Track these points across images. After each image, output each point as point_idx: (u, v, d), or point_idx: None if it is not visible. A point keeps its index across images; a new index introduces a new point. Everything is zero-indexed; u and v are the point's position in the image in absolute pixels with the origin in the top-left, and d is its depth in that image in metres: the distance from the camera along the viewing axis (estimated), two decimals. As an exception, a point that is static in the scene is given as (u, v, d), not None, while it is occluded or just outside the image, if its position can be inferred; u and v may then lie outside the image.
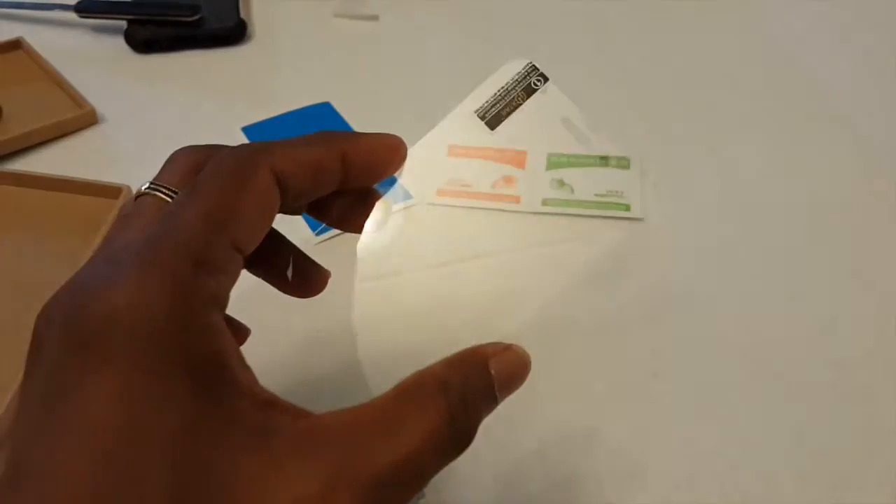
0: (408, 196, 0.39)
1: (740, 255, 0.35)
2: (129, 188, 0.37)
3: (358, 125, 0.43)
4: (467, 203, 0.38)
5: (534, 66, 0.23)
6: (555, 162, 0.40)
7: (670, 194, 0.38)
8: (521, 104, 0.24)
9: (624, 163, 0.40)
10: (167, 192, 0.19)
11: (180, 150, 0.21)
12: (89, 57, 0.49)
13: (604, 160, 0.40)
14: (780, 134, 0.42)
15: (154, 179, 0.20)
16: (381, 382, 0.24)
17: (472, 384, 0.18)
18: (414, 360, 0.23)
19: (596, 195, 0.38)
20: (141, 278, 0.14)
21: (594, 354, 0.31)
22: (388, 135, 0.22)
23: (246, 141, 0.43)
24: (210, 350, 0.15)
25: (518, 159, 0.40)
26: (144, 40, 0.49)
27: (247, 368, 0.16)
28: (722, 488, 0.26)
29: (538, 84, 0.23)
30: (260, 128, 0.43)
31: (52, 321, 0.15)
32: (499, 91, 0.24)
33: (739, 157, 0.41)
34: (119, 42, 0.50)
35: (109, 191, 0.37)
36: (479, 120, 0.25)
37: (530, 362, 0.19)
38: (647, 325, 0.32)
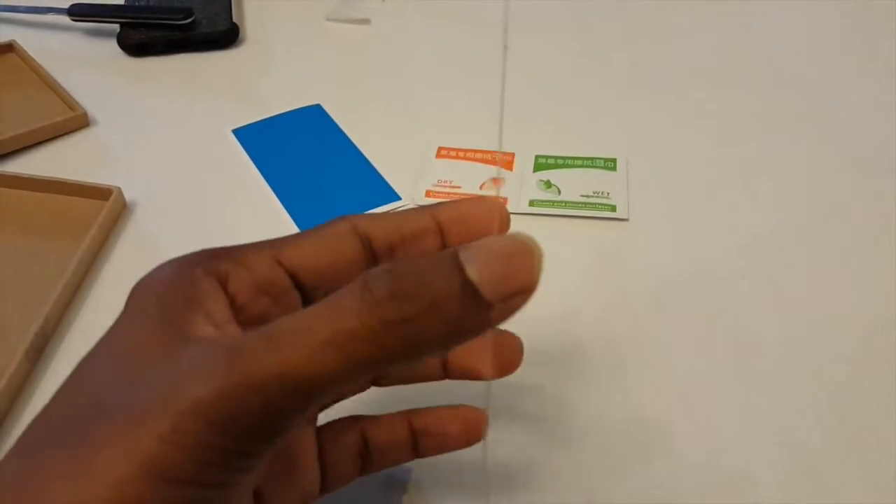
0: (396, 197, 0.39)
1: (725, 255, 0.35)
2: (119, 190, 0.38)
3: (348, 128, 0.44)
4: (455, 204, 0.38)
5: None
6: (542, 164, 0.41)
7: (657, 196, 0.39)
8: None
9: (610, 164, 0.40)
10: None
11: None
12: (82, 60, 0.50)
13: (590, 161, 0.41)
14: (766, 135, 0.43)
15: None
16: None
17: (419, 265, 0.14)
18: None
19: (582, 196, 0.38)
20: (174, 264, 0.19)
21: (577, 353, 0.31)
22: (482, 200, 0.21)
23: (236, 142, 0.43)
24: (183, 298, 0.17)
25: (506, 161, 0.41)
26: (137, 43, 0.50)
27: (223, 319, 0.17)
28: (701, 486, 0.27)
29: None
30: (251, 130, 0.44)
31: None
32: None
33: (726, 158, 0.41)
34: (112, 45, 0.50)
35: (100, 192, 0.37)
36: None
37: (535, 246, 0.15)
38: (631, 323, 0.32)
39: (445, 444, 0.22)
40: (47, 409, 0.17)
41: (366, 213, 0.20)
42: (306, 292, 0.19)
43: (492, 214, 0.20)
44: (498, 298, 0.15)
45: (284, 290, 0.18)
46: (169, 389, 0.15)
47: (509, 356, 0.22)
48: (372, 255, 0.19)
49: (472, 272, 0.14)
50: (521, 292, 0.15)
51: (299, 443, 0.21)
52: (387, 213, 0.20)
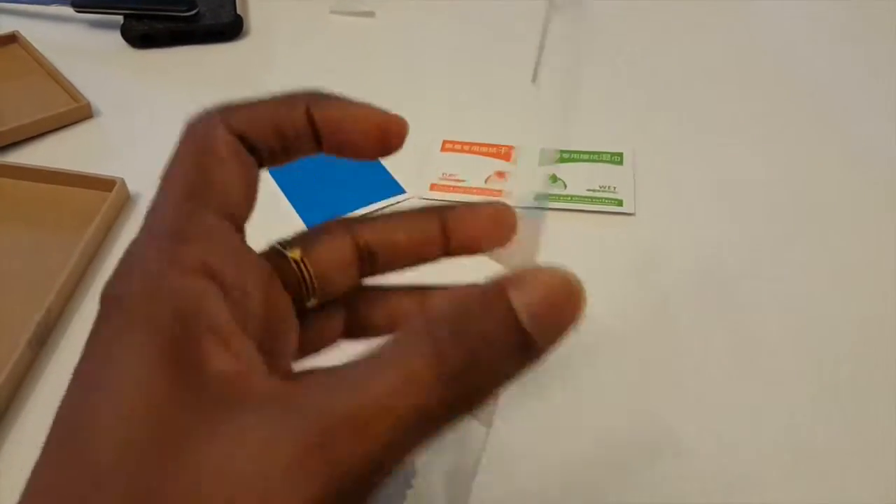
0: (401, 190, 0.39)
1: (730, 250, 0.35)
2: (122, 181, 0.37)
3: (352, 120, 0.43)
4: (460, 198, 0.38)
5: None
6: (548, 157, 0.40)
7: (663, 190, 0.38)
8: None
9: (617, 158, 0.40)
10: None
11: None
12: (85, 51, 0.50)
13: (597, 156, 0.40)
14: (771, 131, 0.43)
15: None
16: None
17: (476, 318, 0.14)
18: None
19: (588, 190, 0.38)
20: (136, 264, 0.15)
21: (582, 347, 0.31)
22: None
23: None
24: (174, 309, 0.14)
25: (511, 154, 0.41)
26: (141, 35, 0.50)
27: (228, 331, 0.14)
28: (704, 482, 0.26)
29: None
30: (255, 122, 0.44)
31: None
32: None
33: (731, 153, 0.41)
34: (115, 37, 0.50)
35: (103, 183, 0.37)
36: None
37: (580, 286, 0.14)
38: (636, 317, 0.32)
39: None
40: (42, 476, 0.13)
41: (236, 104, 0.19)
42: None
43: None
44: (548, 344, 0.14)
45: (234, 236, 0.17)
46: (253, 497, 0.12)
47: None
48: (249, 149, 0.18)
49: (527, 321, 0.14)
50: (567, 333, 0.14)
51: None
52: (256, 102, 0.19)
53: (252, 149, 0.18)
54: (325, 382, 0.13)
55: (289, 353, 0.19)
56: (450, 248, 0.20)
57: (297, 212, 0.38)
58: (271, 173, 0.40)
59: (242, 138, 0.18)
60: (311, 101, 0.18)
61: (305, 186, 0.39)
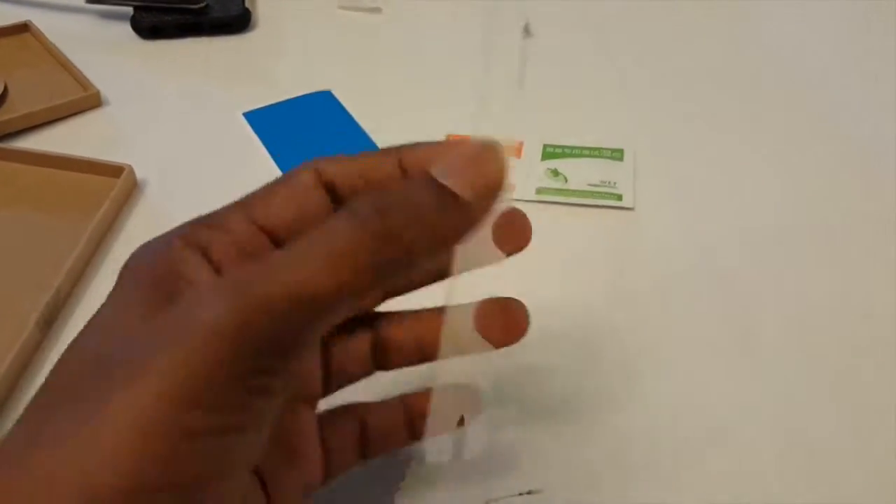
0: (404, 182, 0.40)
1: (728, 246, 0.36)
2: (130, 167, 0.38)
3: (358, 114, 0.44)
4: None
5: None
6: (550, 152, 0.41)
7: (662, 186, 0.39)
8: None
9: (618, 154, 0.41)
10: None
11: None
12: (96, 42, 0.50)
13: (598, 151, 0.41)
14: (771, 128, 0.43)
15: None
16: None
17: (398, 191, 0.16)
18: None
19: (589, 185, 0.39)
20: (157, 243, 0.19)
21: (581, 340, 0.31)
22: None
23: (247, 125, 0.43)
24: (168, 272, 0.17)
25: (514, 148, 0.41)
26: (150, 26, 0.50)
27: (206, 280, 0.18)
28: (701, 475, 0.27)
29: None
30: (261, 114, 0.44)
31: None
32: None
33: (731, 150, 0.41)
34: (125, 28, 0.51)
35: (112, 170, 0.38)
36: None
37: (497, 145, 0.16)
38: (635, 311, 0.33)
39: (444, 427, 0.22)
40: (47, 381, 0.17)
41: (331, 156, 0.20)
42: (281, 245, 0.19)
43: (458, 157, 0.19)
44: (473, 196, 0.16)
45: (263, 247, 0.19)
46: (176, 322, 0.15)
47: (516, 322, 0.22)
48: (337, 201, 0.20)
49: (444, 179, 0.16)
50: (492, 187, 0.17)
51: (301, 428, 0.21)
52: (352, 156, 0.20)
53: (331, 188, 0.20)
54: (260, 268, 0.16)
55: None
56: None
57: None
58: (275, 161, 0.41)
59: (325, 179, 0.20)
60: (404, 151, 0.20)
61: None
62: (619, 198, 0.38)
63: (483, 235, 0.19)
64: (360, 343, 0.22)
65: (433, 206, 0.16)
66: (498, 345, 0.22)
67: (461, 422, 0.22)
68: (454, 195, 0.16)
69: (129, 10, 0.51)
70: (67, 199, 0.37)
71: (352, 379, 0.23)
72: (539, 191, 0.38)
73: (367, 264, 0.15)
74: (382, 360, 0.23)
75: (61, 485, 0.14)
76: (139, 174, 0.39)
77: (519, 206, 0.38)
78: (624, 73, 0.48)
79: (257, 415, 0.16)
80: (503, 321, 0.22)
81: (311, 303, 0.15)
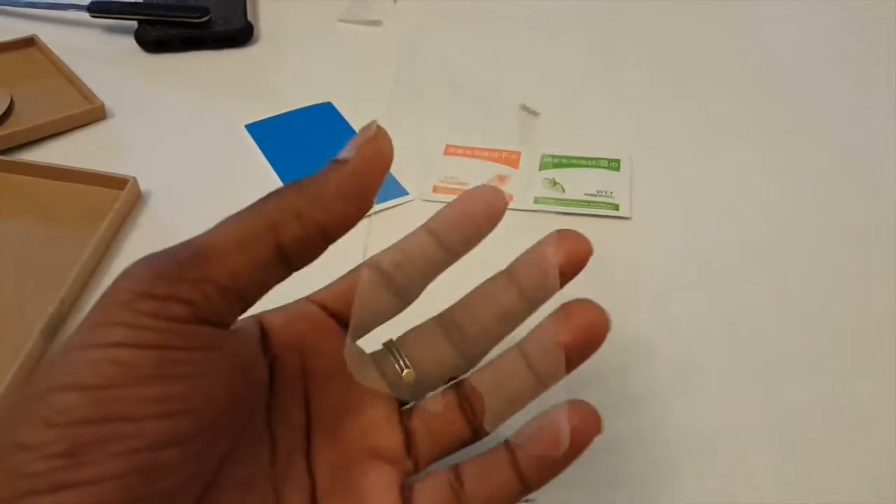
0: (404, 192, 0.40)
1: (725, 255, 0.36)
2: (134, 180, 0.39)
3: (359, 125, 0.44)
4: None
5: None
6: (548, 162, 0.41)
7: (659, 196, 0.39)
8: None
9: (614, 164, 0.41)
10: None
11: None
12: (100, 55, 0.51)
13: (594, 161, 0.41)
14: (768, 138, 0.43)
15: None
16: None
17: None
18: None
19: (586, 195, 0.39)
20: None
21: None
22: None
23: (249, 137, 0.44)
24: None
25: (512, 159, 0.42)
26: (154, 40, 0.51)
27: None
28: (698, 474, 0.27)
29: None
30: (263, 126, 0.45)
31: None
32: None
33: (727, 160, 0.42)
34: (129, 42, 0.51)
35: (116, 182, 0.38)
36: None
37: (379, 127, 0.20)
38: (632, 320, 0.33)
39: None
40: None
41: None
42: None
43: (478, 209, 0.23)
44: (350, 153, 0.20)
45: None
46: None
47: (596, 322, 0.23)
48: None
49: (344, 153, 0.20)
50: (366, 142, 0.20)
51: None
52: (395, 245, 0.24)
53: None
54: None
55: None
56: None
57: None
58: (277, 173, 0.41)
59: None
60: (430, 222, 0.23)
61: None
62: (616, 207, 0.38)
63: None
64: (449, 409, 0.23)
65: (316, 174, 0.20)
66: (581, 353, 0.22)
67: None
68: (336, 160, 0.20)
69: (134, 23, 0.52)
70: (72, 211, 0.38)
71: (453, 447, 0.23)
72: (537, 200, 0.39)
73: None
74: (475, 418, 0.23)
75: None
76: (143, 186, 0.39)
77: (517, 215, 0.39)
78: (621, 85, 0.48)
79: (150, 334, 0.17)
80: (582, 323, 0.22)
81: (201, 248, 0.18)
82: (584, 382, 0.30)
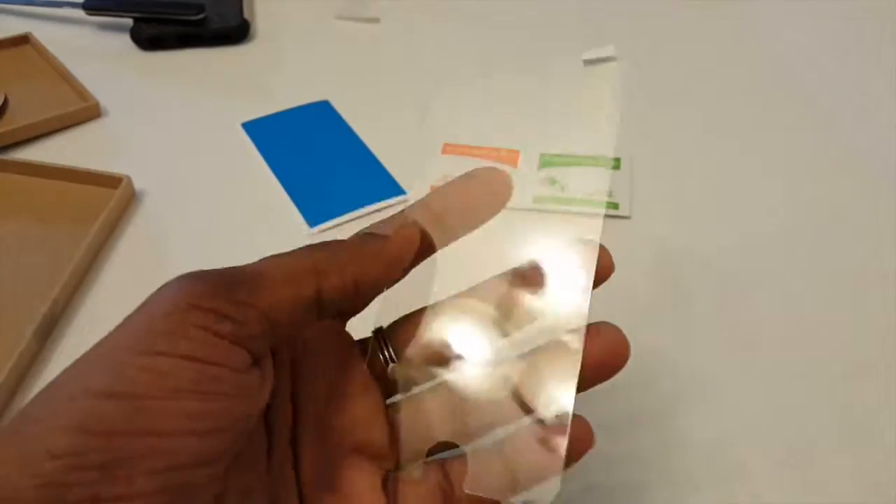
0: (402, 191, 0.40)
1: (724, 254, 0.36)
2: (129, 178, 0.38)
3: (355, 123, 0.44)
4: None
5: None
6: (547, 161, 0.41)
7: (659, 195, 0.39)
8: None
9: (615, 163, 0.41)
10: None
11: None
12: (95, 53, 0.51)
13: (595, 160, 0.41)
14: (769, 137, 0.43)
15: None
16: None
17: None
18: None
19: (586, 193, 0.39)
20: None
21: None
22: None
23: (245, 135, 0.44)
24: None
25: (511, 158, 0.41)
26: (150, 38, 0.51)
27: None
28: (698, 477, 0.27)
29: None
30: (259, 124, 0.44)
31: None
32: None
33: (727, 159, 0.41)
34: (125, 39, 0.51)
35: (110, 180, 0.38)
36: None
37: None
38: (631, 319, 0.33)
39: None
40: None
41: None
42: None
43: (481, 194, 0.22)
44: (387, 230, 0.21)
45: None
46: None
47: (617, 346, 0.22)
48: None
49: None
50: (404, 226, 0.21)
51: None
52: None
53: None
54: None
55: None
56: None
57: (300, 210, 0.38)
58: (273, 171, 0.41)
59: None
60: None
61: (308, 185, 0.40)
62: (616, 206, 0.38)
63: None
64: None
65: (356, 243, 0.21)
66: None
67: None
68: (382, 238, 0.21)
69: (129, 21, 0.51)
70: (66, 210, 0.37)
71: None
72: (536, 199, 0.38)
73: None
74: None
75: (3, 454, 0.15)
76: (137, 185, 0.39)
77: (516, 214, 0.39)
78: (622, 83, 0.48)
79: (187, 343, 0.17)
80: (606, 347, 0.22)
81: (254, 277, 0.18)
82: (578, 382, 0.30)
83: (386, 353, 0.23)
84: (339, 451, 0.21)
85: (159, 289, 0.17)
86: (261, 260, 0.19)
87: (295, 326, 0.19)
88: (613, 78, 0.22)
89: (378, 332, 0.23)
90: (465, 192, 0.22)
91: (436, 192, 0.23)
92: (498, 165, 0.41)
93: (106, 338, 0.17)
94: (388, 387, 0.23)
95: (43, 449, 0.14)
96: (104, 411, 0.15)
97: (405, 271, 0.21)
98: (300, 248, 0.20)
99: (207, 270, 0.18)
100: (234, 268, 0.18)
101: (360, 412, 0.22)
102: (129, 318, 0.17)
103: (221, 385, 0.17)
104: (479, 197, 0.22)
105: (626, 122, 0.44)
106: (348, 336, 0.23)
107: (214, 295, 0.17)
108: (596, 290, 0.23)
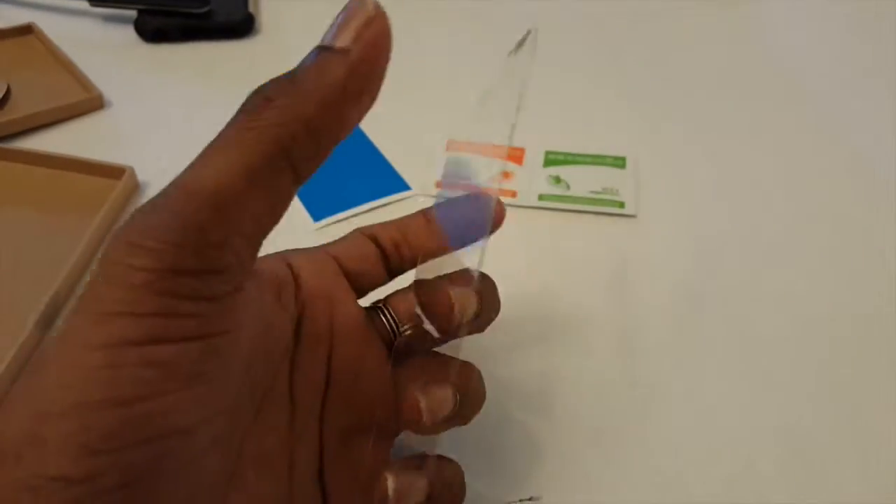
0: (406, 187, 0.40)
1: (730, 253, 0.36)
2: (132, 169, 0.38)
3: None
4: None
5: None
6: (552, 159, 0.41)
7: (664, 194, 0.39)
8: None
9: (620, 162, 0.41)
10: None
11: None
12: (99, 44, 0.50)
13: (600, 159, 0.41)
14: (773, 136, 0.43)
15: None
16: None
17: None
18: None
19: (591, 192, 0.39)
20: None
21: (582, 347, 0.31)
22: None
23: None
24: None
25: (516, 155, 0.41)
26: (154, 30, 0.50)
27: None
28: (702, 477, 0.27)
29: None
30: (264, 118, 0.44)
31: None
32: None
33: (733, 158, 0.41)
34: (129, 31, 0.51)
35: (113, 171, 0.38)
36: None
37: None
38: (636, 318, 0.33)
39: None
40: None
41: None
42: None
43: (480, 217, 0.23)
44: (349, 40, 0.16)
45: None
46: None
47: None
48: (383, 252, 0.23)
49: (329, 40, 0.16)
50: (365, 24, 0.16)
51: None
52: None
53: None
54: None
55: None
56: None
57: (303, 204, 0.38)
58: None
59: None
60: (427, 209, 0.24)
61: (313, 182, 0.40)
62: (622, 205, 0.38)
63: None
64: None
65: (311, 68, 0.16)
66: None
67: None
68: (329, 48, 0.16)
69: (133, 13, 0.51)
70: (68, 201, 0.37)
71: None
72: (541, 197, 0.38)
73: (271, 145, 0.15)
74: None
75: (9, 413, 0.13)
76: (140, 176, 0.39)
77: (521, 212, 0.39)
78: (627, 81, 0.48)
79: (189, 321, 0.14)
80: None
81: (215, 197, 0.14)
82: (585, 380, 0.30)
83: (393, 326, 0.23)
84: (361, 425, 0.21)
85: (111, 249, 0.14)
86: (203, 160, 0.16)
87: (278, 219, 0.16)
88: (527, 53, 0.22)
89: (382, 304, 0.23)
90: (464, 215, 0.24)
91: (438, 207, 0.25)
92: (501, 162, 0.41)
93: (67, 333, 0.14)
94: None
95: (43, 476, 0.13)
96: (109, 425, 0.13)
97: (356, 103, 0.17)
98: (241, 119, 0.16)
99: (153, 212, 0.15)
100: (179, 189, 0.15)
101: (383, 384, 0.21)
102: (87, 297, 0.14)
103: (223, 354, 0.15)
104: (477, 223, 0.23)
105: (632, 120, 0.44)
106: (367, 315, 0.23)
107: (188, 248, 0.14)
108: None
